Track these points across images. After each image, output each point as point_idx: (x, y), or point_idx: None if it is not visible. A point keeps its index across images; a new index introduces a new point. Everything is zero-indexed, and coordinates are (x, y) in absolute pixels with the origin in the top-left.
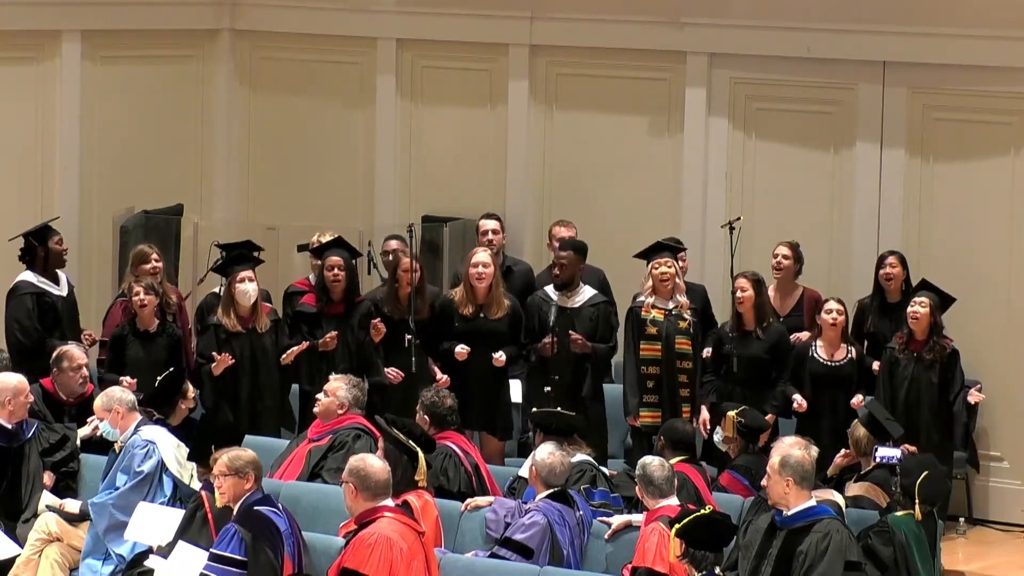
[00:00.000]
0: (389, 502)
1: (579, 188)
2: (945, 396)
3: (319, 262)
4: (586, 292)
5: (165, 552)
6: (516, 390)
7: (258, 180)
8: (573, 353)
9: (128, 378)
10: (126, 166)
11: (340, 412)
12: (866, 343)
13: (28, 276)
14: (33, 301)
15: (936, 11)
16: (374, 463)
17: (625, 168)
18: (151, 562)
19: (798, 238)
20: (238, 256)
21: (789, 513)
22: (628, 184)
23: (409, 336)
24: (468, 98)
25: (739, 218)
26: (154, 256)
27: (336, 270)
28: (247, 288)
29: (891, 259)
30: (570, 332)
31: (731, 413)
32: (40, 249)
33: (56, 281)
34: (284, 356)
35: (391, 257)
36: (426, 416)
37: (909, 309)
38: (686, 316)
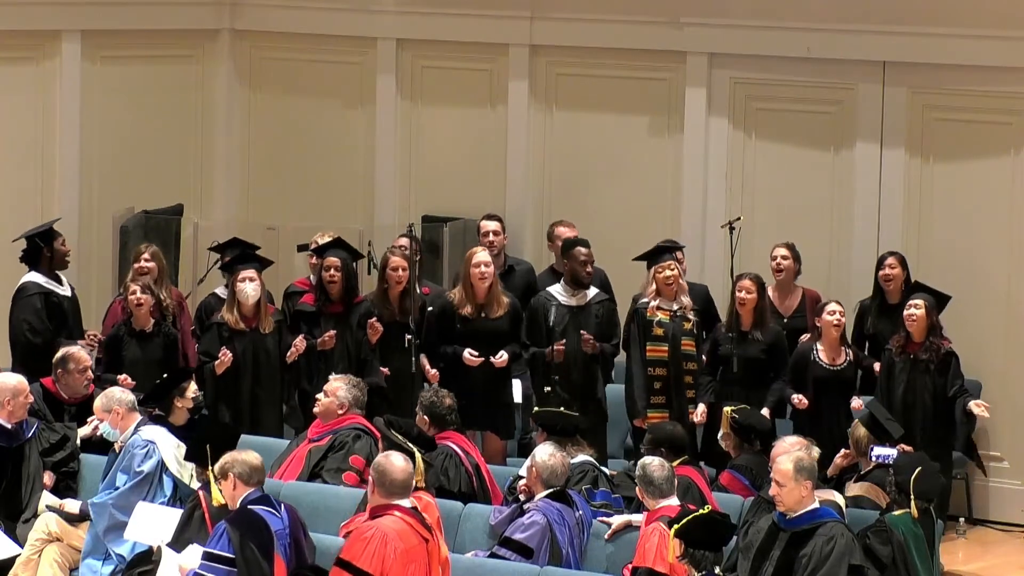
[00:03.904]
0: (405, 503)
1: (579, 188)
2: (942, 397)
3: (318, 262)
4: (591, 290)
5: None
6: (516, 390)
7: (258, 180)
8: (583, 354)
9: (127, 377)
10: (126, 166)
11: (340, 412)
12: (867, 344)
13: (34, 277)
14: (42, 301)
15: (936, 11)
16: (396, 462)
17: (625, 168)
18: (162, 551)
19: (798, 238)
20: (241, 255)
21: (793, 515)
22: (628, 184)
23: (409, 336)
24: (468, 98)
25: (739, 218)
26: (144, 256)
27: (333, 271)
28: (246, 288)
29: (890, 260)
30: (582, 332)
31: (727, 409)
32: (46, 250)
33: (59, 282)
34: (288, 354)
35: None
36: (426, 416)
37: (906, 312)
38: (690, 317)
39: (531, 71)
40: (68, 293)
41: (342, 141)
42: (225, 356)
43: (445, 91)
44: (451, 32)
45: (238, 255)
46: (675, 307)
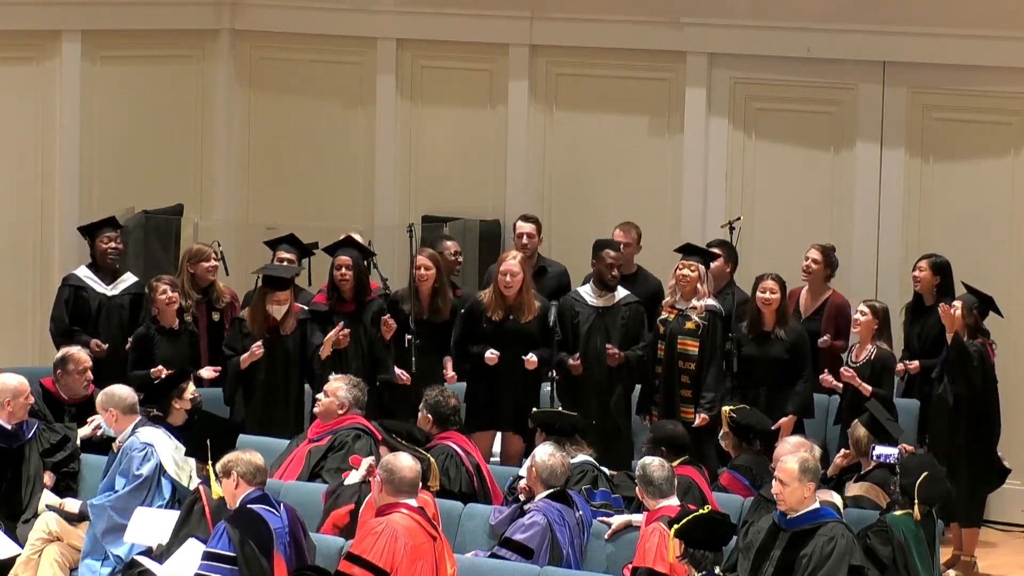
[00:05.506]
0: (412, 502)
1: (579, 188)
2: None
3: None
4: (620, 291)
5: (162, 552)
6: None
7: (258, 180)
8: (607, 364)
9: (162, 368)
10: (126, 166)
11: (340, 412)
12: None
13: (80, 270)
14: (70, 293)
15: (936, 11)
16: (405, 461)
17: (625, 168)
18: (148, 564)
19: (798, 238)
20: (279, 280)
21: (794, 515)
22: (628, 184)
23: (409, 336)
24: (468, 98)
25: (739, 218)
26: (213, 254)
27: (344, 269)
28: (273, 309)
29: (921, 263)
30: (608, 346)
31: (725, 408)
32: (90, 244)
33: (111, 280)
34: (322, 349)
35: (452, 257)
36: (429, 415)
37: None
38: (695, 317)
39: (531, 71)
40: (111, 293)
41: (342, 141)
42: (254, 351)
43: (445, 91)
44: (451, 32)
45: (273, 279)
46: (686, 306)
